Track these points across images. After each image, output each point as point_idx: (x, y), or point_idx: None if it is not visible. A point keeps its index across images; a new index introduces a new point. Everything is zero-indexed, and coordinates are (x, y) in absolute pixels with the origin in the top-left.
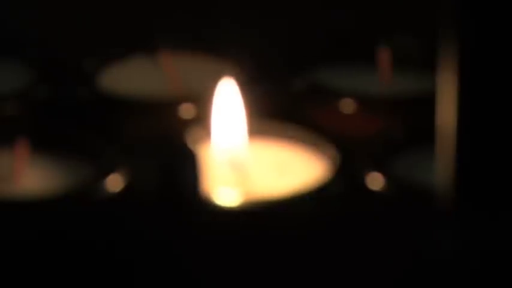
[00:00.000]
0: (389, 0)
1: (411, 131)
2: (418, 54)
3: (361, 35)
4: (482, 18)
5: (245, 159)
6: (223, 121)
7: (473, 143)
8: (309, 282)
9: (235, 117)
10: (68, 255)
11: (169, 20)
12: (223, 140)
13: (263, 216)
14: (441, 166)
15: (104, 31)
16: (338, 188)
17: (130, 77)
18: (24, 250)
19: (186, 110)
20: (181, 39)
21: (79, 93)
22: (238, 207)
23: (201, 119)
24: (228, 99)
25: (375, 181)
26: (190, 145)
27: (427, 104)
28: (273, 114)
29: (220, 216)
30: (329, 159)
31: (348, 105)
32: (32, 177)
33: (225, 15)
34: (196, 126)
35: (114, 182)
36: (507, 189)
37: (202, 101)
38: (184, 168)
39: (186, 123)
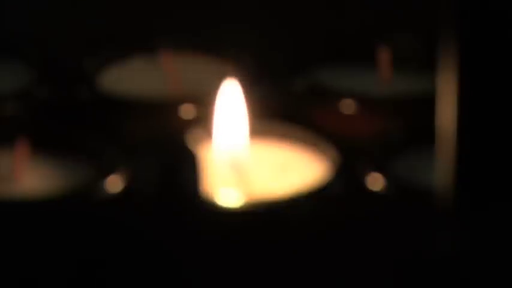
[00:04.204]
0: (389, 0)
1: (411, 131)
2: (418, 54)
3: (361, 35)
4: (482, 18)
5: (245, 160)
6: (224, 121)
7: (473, 143)
8: (310, 282)
9: (235, 117)
10: (68, 255)
11: (169, 20)
12: (224, 140)
13: (264, 217)
14: (441, 166)
15: (103, 31)
16: (338, 188)
17: (130, 77)
18: (24, 250)
19: (187, 111)
20: (181, 40)
21: (79, 93)
22: (239, 207)
23: (202, 120)
24: (228, 100)
25: (375, 181)
26: (190, 146)
27: (427, 104)
28: (273, 114)
29: (220, 217)
30: (329, 159)
31: (348, 106)
32: (32, 177)
33: (226, 16)
34: (197, 127)
35: (114, 183)
36: (507, 189)
37: (202, 102)
38: (185, 168)
39: (187, 124)
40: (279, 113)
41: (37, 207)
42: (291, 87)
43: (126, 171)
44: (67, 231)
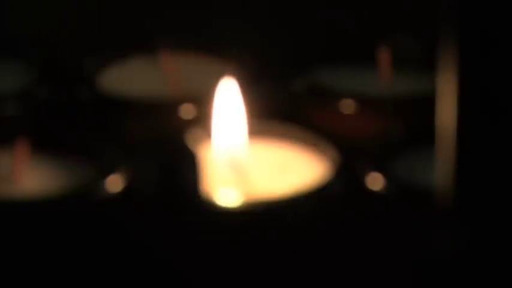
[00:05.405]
0: (389, 0)
1: (411, 131)
2: (418, 54)
3: (361, 35)
4: (482, 18)
5: (245, 160)
6: (224, 121)
7: (473, 143)
8: (309, 282)
9: (235, 117)
10: (68, 255)
11: (169, 20)
12: (224, 140)
13: (263, 217)
14: (441, 166)
15: (104, 31)
16: (338, 188)
17: (130, 77)
18: (24, 250)
19: (186, 111)
20: (181, 40)
21: (79, 93)
22: (238, 207)
23: (201, 120)
24: (228, 100)
25: (375, 181)
26: (190, 145)
27: (427, 104)
28: (273, 114)
29: (220, 216)
30: (329, 159)
31: (348, 106)
32: (32, 177)
33: (226, 16)
34: (197, 127)
35: (114, 182)
36: (507, 189)
37: (202, 102)
38: (184, 168)
39: (186, 124)
40: (279, 113)
41: (37, 207)
42: (291, 87)
43: (126, 171)
44: (67, 231)
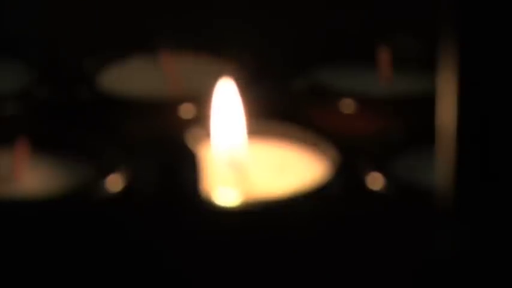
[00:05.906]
0: (389, 0)
1: (411, 131)
2: (418, 54)
3: (361, 35)
4: (482, 18)
5: (245, 159)
6: (223, 121)
7: (473, 143)
8: (309, 282)
9: (234, 117)
10: (68, 255)
11: (169, 20)
12: (223, 140)
13: (263, 216)
14: (441, 166)
15: (104, 31)
16: (338, 188)
17: (130, 77)
18: (24, 250)
19: (186, 110)
20: (181, 40)
21: (79, 93)
22: (237, 207)
23: (201, 119)
24: (227, 99)
25: (375, 181)
26: (190, 145)
27: (427, 104)
28: (272, 114)
29: (220, 216)
30: (329, 159)
31: (348, 105)
32: (32, 177)
33: (225, 15)
34: (196, 126)
35: (114, 182)
36: (507, 189)
37: (202, 101)
38: (184, 168)
39: (186, 123)
40: (279, 112)
41: (37, 207)
42: (291, 87)
43: (126, 171)
44: (67, 231)
